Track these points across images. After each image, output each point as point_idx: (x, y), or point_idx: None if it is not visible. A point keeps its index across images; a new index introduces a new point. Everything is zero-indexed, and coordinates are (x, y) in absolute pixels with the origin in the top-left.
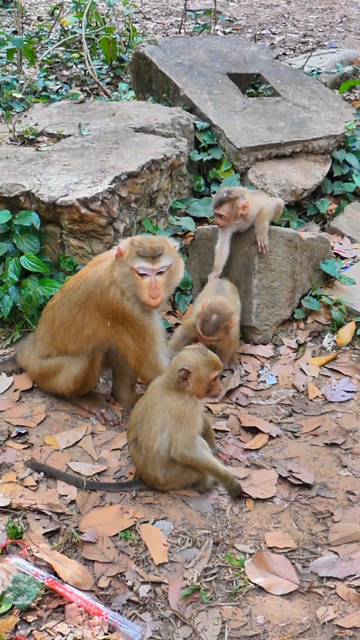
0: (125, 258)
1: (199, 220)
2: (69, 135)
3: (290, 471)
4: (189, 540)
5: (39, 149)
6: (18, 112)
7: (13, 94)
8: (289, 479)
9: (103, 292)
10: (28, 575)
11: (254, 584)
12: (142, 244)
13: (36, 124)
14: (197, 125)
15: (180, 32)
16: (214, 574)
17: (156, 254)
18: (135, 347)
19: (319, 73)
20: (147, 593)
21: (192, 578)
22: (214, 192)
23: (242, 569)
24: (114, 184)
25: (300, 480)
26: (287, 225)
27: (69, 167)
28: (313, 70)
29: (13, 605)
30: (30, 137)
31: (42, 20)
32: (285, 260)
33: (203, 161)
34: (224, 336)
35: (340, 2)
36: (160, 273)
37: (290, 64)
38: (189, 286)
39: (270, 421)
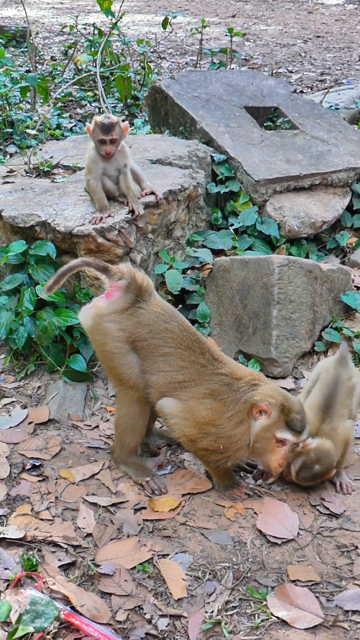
0: (270, 422)
1: (217, 253)
2: None
3: (322, 499)
4: (209, 573)
5: (55, 180)
6: (31, 147)
7: (27, 131)
8: (317, 507)
9: (232, 417)
10: (45, 598)
11: (277, 617)
12: (292, 414)
13: (51, 157)
14: (214, 158)
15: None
16: (235, 607)
17: (303, 429)
18: (203, 439)
19: (337, 108)
20: (166, 626)
21: (213, 611)
22: (232, 225)
23: (265, 602)
24: (130, 214)
25: (328, 510)
26: (307, 257)
27: (85, 197)
28: (331, 106)
29: (30, 635)
30: (46, 169)
31: (55, 60)
32: (305, 292)
33: (220, 194)
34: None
35: (358, 41)
36: (295, 445)
37: None
38: (207, 319)
39: None
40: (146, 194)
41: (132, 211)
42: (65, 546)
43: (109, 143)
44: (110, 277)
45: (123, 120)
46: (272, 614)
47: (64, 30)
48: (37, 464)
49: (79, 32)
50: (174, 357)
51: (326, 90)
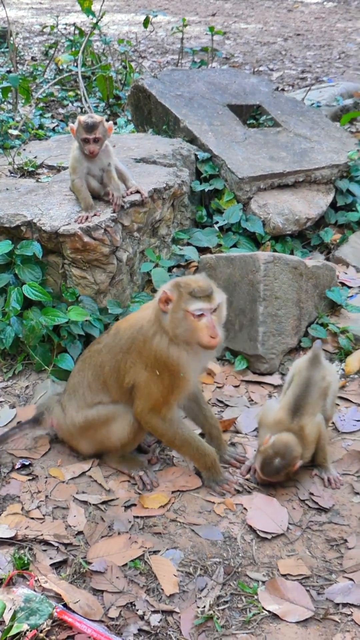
0: (176, 303)
1: (202, 250)
2: None
3: (311, 493)
4: (200, 569)
5: (39, 180)
6: (15, 148)
7: (9, 131)
8: (306, 502)
9: (146, 340)
10: (39, 595)
11: (268, 611)
12: (191, 285)
13: (35, 157)
14: (198, 156)
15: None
16: (226, 602)
17: (209, 292)
18: (159, 396)
19: (318, 106)
20: (159, 622)
21: (205, 606)
22: (217, 223)
23: (256, 597)
24: (116, 212)
25: (317, 504)
26: (291, 254)
27: (70, 196)
28: (313, 104)
29: (24, 632)
30: (30, 169)
31: (36, 60)
32: (290, 288)
33: (205, 192)
34: (284, 479)
35: (337, 39)
36: (214, 311)
37: None
38: None
39: None
40: (131, 193)
41: (111, 195)
42: (56, 544)
43: (92, 142)
44: (43, 423)
45: (107, 120)
46: (263, 608)
47: (44, 30)
48: (27, 463)
49: (59, 32)
50: (91, 367)
51: (308, 88)
